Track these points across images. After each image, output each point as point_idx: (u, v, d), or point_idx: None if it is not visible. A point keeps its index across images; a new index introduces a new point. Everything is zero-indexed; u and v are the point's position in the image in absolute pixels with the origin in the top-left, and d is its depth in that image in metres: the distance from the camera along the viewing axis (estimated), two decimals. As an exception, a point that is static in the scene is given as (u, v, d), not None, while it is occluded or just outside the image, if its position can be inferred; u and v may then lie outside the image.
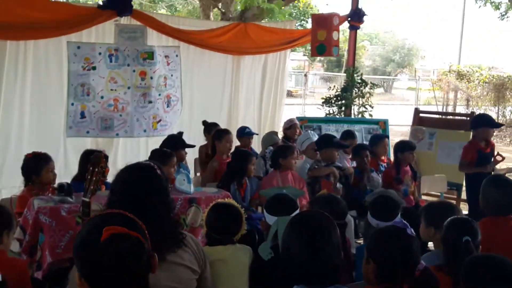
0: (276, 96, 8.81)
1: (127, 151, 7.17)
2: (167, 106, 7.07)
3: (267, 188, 5.03)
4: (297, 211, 3.27)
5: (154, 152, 5.03)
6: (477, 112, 15.24)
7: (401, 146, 6.03)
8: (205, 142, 6.42)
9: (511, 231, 3.49)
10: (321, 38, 7.34)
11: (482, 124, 6.02)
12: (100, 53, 6.50)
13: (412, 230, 2.51)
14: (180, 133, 5.87)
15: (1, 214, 2.91)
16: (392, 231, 2.55)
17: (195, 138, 6.81)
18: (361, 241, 5.02)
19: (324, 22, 7.39)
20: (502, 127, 16.88)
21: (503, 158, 5.90)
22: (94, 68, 6.51)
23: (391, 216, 3.50)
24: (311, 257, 2.19)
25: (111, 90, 6.61)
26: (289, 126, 6.92)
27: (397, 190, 5.57)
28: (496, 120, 17.06)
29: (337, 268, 2.25)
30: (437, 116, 9.33)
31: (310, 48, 7.95)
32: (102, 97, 6.56)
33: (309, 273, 2.19)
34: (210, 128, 6.35)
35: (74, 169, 6.63)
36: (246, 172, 5.16)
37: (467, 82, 19.54)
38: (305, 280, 2.19)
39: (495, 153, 5.93)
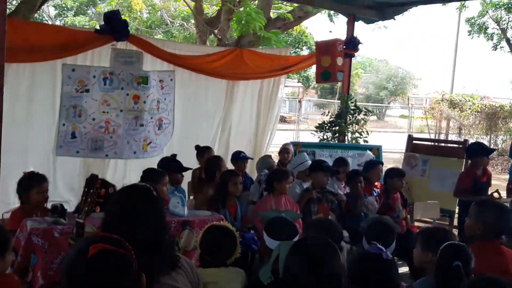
0: (268, 122, 8.84)
1: (116, 172, 7.14)
2: (158, 129, 7.10)
3: (261, 211, 5.03)
4: (298, 236, 3.27)
5: (146, 172, 5.02)
6: (470, 140, 15.34)
7: (391, 173, 6.08)
8: (198, 166, 6.42)
9: (501, 254, 3.50)
10: (325, 64, 7.41)
11: (479, 153, 6.08)
12: (94, 76, 6.54)
13: (388, 254, 2.52)
14: (174, 155, 5.88)
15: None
16: (370, 257, 2.58)
17: (186, 160, 6.80)
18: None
19: (328, 49, 7.47)
20: (494, 156, 17.04)
21: (500, 197, 5.96)
22: (87, 90, 6.54)
23: (387, 242, 3.50)
24: (315, 283, 2.19)
25: (103, 112, 6.63)
26: (281, 150, 7.02)
27: (391, 216, 5.58)
28: (488, 149, 17.24)
29: None
30: (430, 143, 9.39)
31: (303, 74, 8.02)
32: (93, 119, 6.59)
33: None
34: (203, 152, 6.37)
35: (62, 189, 6.68)
36: (227, 191, 5.14)
37: (459, 111, 19.72)
38: None
39: (491, 184, 6.00)
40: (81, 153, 6.64)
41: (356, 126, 8.93)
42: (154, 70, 7.02)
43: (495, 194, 5.90)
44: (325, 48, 7.54)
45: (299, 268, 2.25)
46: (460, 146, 8.48)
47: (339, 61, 7.45)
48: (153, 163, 6.05)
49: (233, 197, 5.23)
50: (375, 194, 6.27)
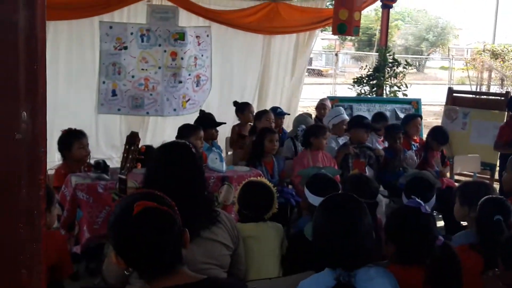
0: (302, 74, 8.79)
1: (156, 128, 7.25)
2: (196, 86, 7.13)
3: (298, 166, 5.06)
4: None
5: (181, 128, 5.07)
6: (512, 92, 14.94)
7: (435, 136, 5.95)
8: (238, 122, 6.45)
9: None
10: (342, 17, 7.25)
11: None
12: (132, 33, 6.57)
13: (427, 208, 2.52)
14: (202, 111, 5.90)
15: None
16: (407, 211, 2.57)
17: (226, 117, 6.86)
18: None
19: (347, 2, 7.30)
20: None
21: None
22: (125, 48, 6.59)
23: (427, 197, 3.49)
24: (343, 242, 2.22)
25: (142, 69, 6.69)
26: (318, 106, 7.01)
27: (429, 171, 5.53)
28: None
29: (368, 250, 2.27)
30: (471, 95, 9.17)
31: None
32: (133, 76, 6.65)
33: (340, 257, 2.21)
34: (242, 108, 6.36)
35: (104, 146, 6.85)
36: (263, 148, 5.15)
37: (501, 62, 19.15)
38: (337, 263, 2.21)
39: None
40: (123, 111, 6.75)
41: (395, 79, 8.79)
42: (190, 25, 7.01)
43: None
44: (343, 1, 7.37)
45: (327, 227, 2.29)
46: (502, 98, 8.27)
47: (356, 15, 7.28)
48: (191, 120, 6.11)
49: (270, 154, 5.23)
50: (414, 148, 6.20)
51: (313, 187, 3.35)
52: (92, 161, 4.57)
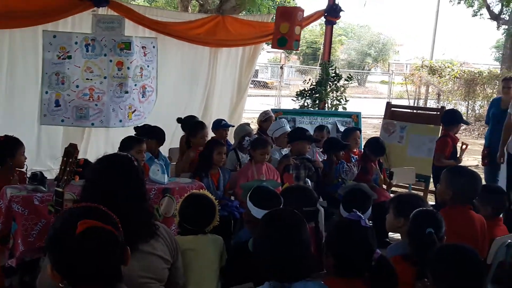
0: (246, 87, 8.88)
1: (99, 140, 7.18)
2: (142, 96, 7.08)
3: (242, 179, 5.12)
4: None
5: (124, 140, 5.04)
6: (447, 106, 15.55)
7: (371, 147, 6.17)
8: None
9: (471, 219, 3.65)
10: (283, 31, 7.36)
11: (455, 121, 6.30)
12: (76, 43, 6.48)
13: (367, 221, 2.59)
14: (145, 125, 5.87)
15: None
16: (346, 224, 2.64)
17: (171, 128, 6.86)
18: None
19: (288, 16, 7.40)
20: (471, 121, 17.34)
21: (467, 145, 6.22)
22: (69, 57, 6.48)
23: (363, 208, 3.60)
24: (281, 255, 2.29)
25: (87, 79, 6.58)
26: (265, 119, 7.03)
27: (367, 182, 5.71)
28: (466, 114, 17.55)
29: (306, 264, 2.34)
30: (408, 110, 9.51)
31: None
32: (77, 86, 6.54)
33: (278, 270, 2.28)
34: (194, 130, 6.28)
35: (45, 157, 6.70)
36: (211, 161, 5.18)
37: (438, 77, 19.89)
38: (275, 276, 2.27)
39: (460, 144, 6.26)
40: (66, 122, 6.58)
41: (336, 93, 9.02)
42: (137, 36, 6.98)
43: (463, 146, 6.23)
44: (285, 15, 7.50)
45: (266, 241, 2.36)
46: (437, 113, 8.61)
47: (297, 30, 7.41)
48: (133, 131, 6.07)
49: (216, 166, 5.26)
50: (353, 160, 6.39)
51: (255, 199, 3.37)
52: (29, 173, 4.49)
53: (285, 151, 5.99)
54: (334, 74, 8.99)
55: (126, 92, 6.81)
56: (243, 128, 6.34)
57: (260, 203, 3.31)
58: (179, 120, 6.37)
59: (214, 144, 5.32)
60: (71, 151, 2.87)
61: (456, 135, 6.59)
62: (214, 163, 5.20)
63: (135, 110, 6.88)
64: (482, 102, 18.65)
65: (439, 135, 6.92)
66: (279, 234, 2.34)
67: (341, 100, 8.97)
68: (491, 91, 18.45)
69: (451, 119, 6.53)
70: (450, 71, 19.76)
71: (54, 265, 1.72)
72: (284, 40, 7.43)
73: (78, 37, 6.49)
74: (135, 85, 6.93)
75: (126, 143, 4.92)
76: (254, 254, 2.45)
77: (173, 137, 7.07)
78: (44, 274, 2.32)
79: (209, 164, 5.19)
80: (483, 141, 8.09)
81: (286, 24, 7.33)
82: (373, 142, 6.29)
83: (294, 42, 7.44)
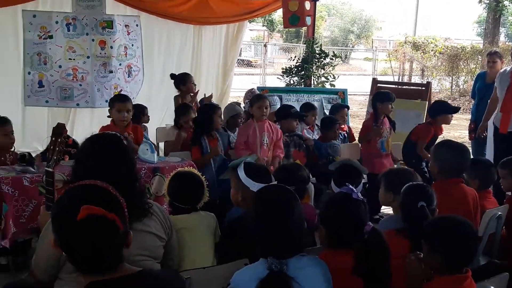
0: (231, 66, 8.83)
1: (85, 119, 7.10)
2: (128, 76, 7.01)
3: (243, 136, 5.21)
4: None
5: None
6: (433, 82, 15.58)
7: (381, 97, 6.10)
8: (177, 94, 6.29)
9: (462, 192, 3.67)
10: (293, 9, 7.31)
11: (443, 112, 6.07)
12: (57, 22, 6.38)
13: (359, 194, 2.61)
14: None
15: None
16: (338, 197, 2.66)
17: (156, 107, 6.79)
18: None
19: None
20: (456, 97, 17.39)
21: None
22: (51, 37, 6.39)
23: (355, 183, 3.60)
24: (275, 231, 2.28)
25: (70, 59, 6.51)
26: (246, 96, 7.01)
27: (374, 143, 5.84)
28: (450, 90, 17.51)
29: (300, 239, 2.35)
30: (394, 86, 9.53)
31: (268, 18, 7.90)
32: (60, 66, 6.47)
33: (273, 246, 2.27)
34: (184, 80, 6.21)
35: (31, 138, 6.62)
36: (213, 123, 5.17)
37: (422, 53, 19.94)
38: (270, 252, 2.27)
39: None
40: (51, 103, 6.54)
41: (322, 70, 8.98)
42: (119, 14, 6.86)
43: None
44: None
45: (259, 218, 2.35)
46: (422, 88, 8.62)
47: (307, 5, 7.38)
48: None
49: (214, 132, 5.24)
50: (341, 136, 6.39)
51: (249, 172, 3.30)
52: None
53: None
54: (319, 51, 8.94)
55: (111, 72, 6.73)
56: (233, 108, 6.31)
57: (253, 176, 3.25)
58: (172, 75, 6.30)
59: (213, 107, 5.33)
60: (59, 130, 2.82)
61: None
62: (215, 126, 5.21)
63: (121, 90, 6.79)
64: (466, 77, 18.75)
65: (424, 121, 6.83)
66: (272, 211, 2.34)
67: (329, 77, 8.93)
68: (474, 66, 18.54)
69: (438, 109, 6.31)
70: (433, 47, 19.82)
71: (57, 239, 1.73)
72: (296, 17, 7.38)
73: (59, 16, 6.40)
74: (120, 64, 6.85)
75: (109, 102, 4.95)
76: (248, 231, 2.44)
77: (165, 117, 7.02)
78: (41, 252, 2.33)
79: (210, 127, 5.17)
80: (468, 116, 8.12)
81: (295, 2, 7.28)
82: (381, 93, 6.29)
83: (306, 17, 7.38)
